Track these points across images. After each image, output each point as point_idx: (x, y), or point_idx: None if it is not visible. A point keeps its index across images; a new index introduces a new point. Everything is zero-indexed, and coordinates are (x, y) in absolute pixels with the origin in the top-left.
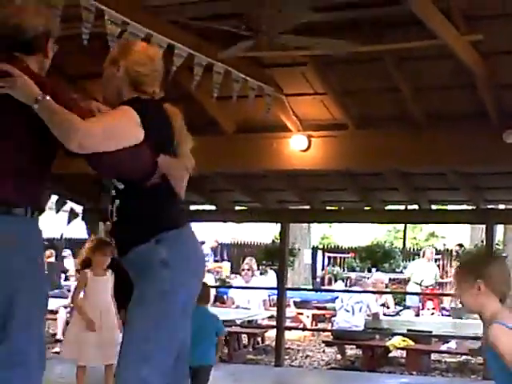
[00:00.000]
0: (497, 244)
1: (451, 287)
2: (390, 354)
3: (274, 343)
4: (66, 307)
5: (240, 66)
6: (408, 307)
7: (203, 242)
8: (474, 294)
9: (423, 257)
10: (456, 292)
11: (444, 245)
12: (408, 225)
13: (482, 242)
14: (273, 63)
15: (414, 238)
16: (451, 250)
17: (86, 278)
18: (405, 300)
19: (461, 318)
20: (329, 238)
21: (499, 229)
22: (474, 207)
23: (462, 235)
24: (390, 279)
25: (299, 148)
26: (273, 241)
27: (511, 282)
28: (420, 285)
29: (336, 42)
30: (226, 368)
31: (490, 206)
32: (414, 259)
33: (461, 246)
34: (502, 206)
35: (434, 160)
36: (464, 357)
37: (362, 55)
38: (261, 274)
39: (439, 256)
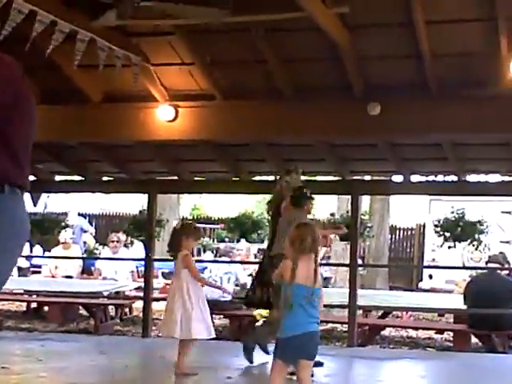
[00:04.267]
0: (362, 214)
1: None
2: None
3: (141, 314)
4: None
5: (106, 35)
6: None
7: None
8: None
9: None
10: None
11: (313, 214)
12: None
13: (348, 212)
14: (139, 32)
15: None
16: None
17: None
18: None
19: (327, 287)
20: (199, 209)
21: (365, 200)
22: (340, 178)
23: (329, 206)
24: (258, 249)
25: (166, 118)
26: (140, 211)
27: (306, 243)
28: None
29: (204, 9)
30: (92, 339)
31: (355, 177)
32: None
33: (332, 214)
34: (367, 177)
35: (301, 131)
36: (330, 324)
37: (230, 25)
38: (126, 245)
39: None
